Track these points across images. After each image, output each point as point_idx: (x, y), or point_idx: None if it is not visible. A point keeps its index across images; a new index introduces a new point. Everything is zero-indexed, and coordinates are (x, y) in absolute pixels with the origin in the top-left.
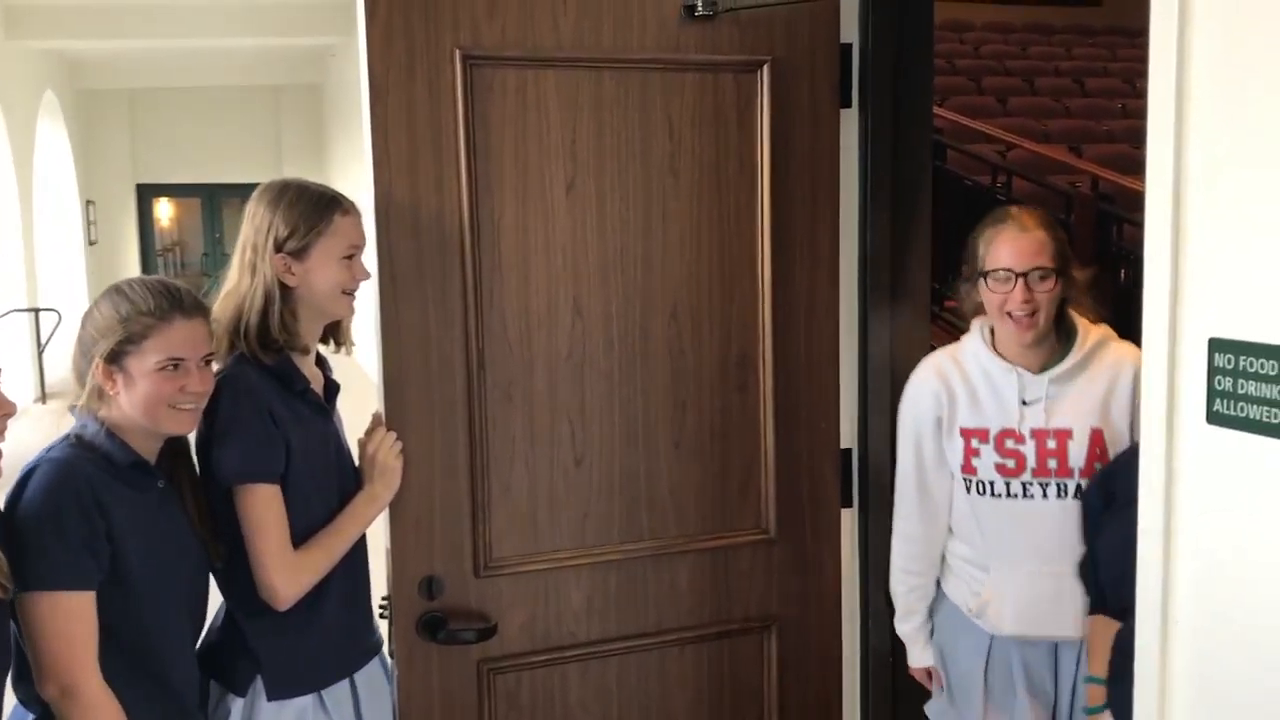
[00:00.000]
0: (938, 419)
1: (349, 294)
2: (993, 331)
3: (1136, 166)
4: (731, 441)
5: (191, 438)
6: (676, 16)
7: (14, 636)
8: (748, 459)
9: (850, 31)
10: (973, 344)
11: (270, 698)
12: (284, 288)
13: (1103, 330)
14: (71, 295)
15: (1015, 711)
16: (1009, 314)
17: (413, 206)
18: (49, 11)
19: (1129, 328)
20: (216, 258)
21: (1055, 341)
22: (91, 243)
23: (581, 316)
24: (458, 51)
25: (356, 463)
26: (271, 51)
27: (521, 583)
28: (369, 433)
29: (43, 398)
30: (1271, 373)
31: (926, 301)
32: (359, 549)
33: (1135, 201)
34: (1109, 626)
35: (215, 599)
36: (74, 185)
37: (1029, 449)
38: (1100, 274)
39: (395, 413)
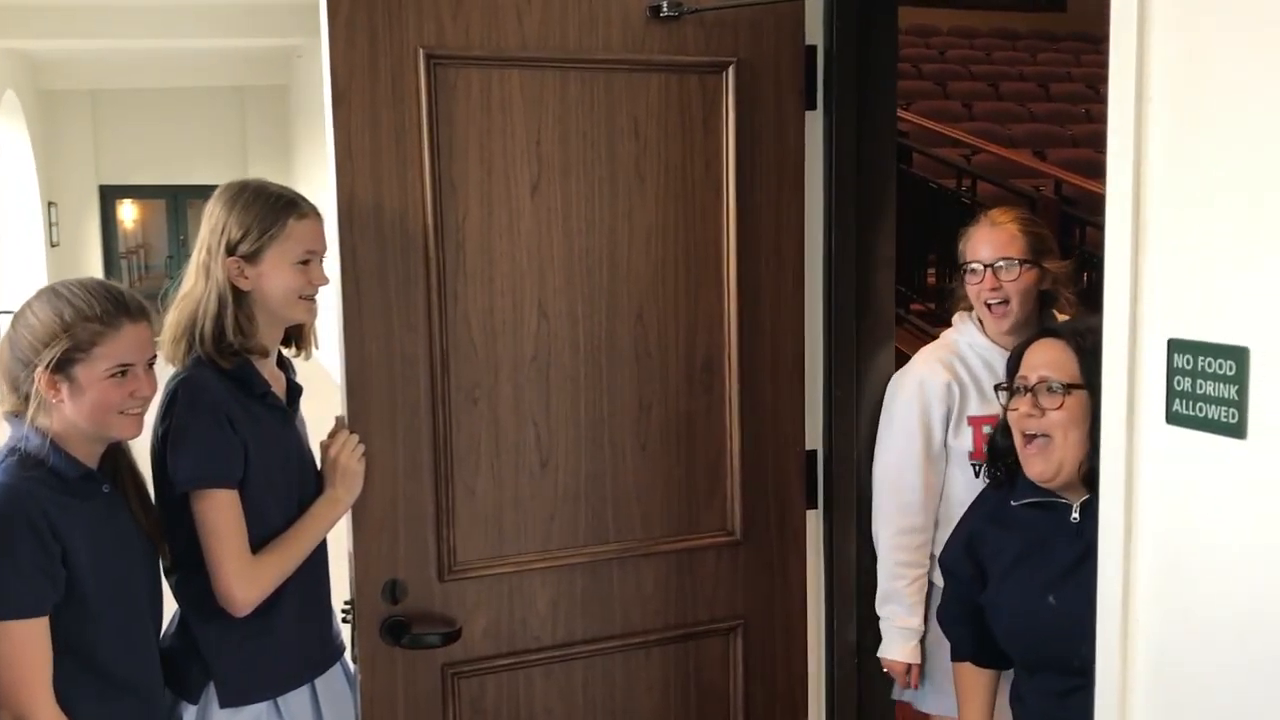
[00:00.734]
0: (948, 410)
1: (306, 299)
2: (982, 322)
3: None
4: (697, 443)
5: (147, 441)
6: (642, 17)
7: None
8: (713, 461)
9: (815, 34)
10: (966, 335)
11: (222, 705)
12: (239, 291)
13: None
14: None
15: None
16: (986, 304)
17: (375, 207)
18: (9, 10)
19: None
20: (181, 260)
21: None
22: (53, 245)
23: (547, 319)
24: (421, 51)
25: (319, 466)
26: (236, 52)
27: (486, 586)
28: (331, 435)
29: None
30: (1229, 373)
31: (892, 304)
32: (319, 553)
33: (1098, 205)
34: (979, 675)
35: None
36: (35, 187)
37: None
38: (1077, 270)
39: (358, 415)
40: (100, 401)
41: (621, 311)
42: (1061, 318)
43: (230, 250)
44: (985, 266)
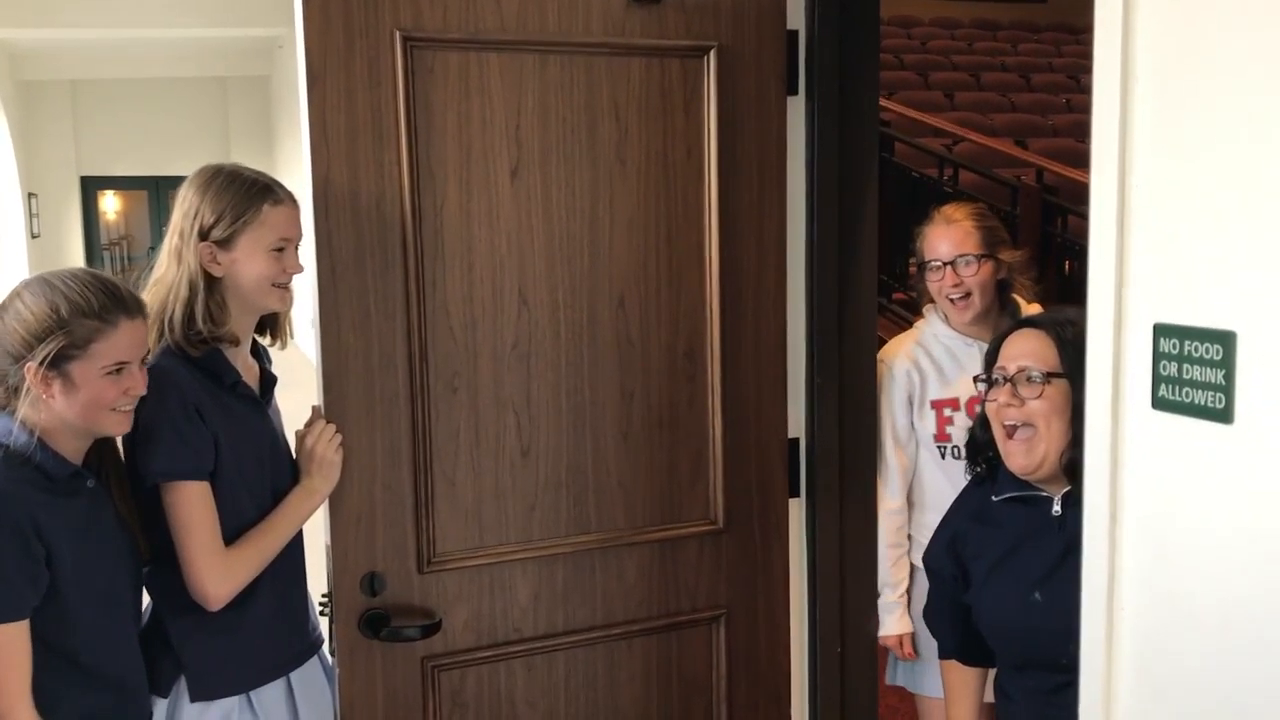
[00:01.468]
0: (909, 396)
1: (280, 287)
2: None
3: (1081, 160)
4: (680, 432)
5: None
6: (622, 0)
7: None
8: (696, 449)
9: (797, 19)
10: (932, 327)
11: (193, 699)
12: (211, 278)
13: (1037, 309)
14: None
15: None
16: (949, 298)
17: (352, 193)
18: None
19: None
20: None
21: (1001, 318)
22: (34, 236)
23: (527, 306)
24: (398, 33)
25: (295, 457)
26: (218, 42)
27: (466, 578)
28: (308, 425)
29: None
30: (1215, 357)
31: (874, 292)
32: (294, 545)
33: (1080, 194)
34: (967, 673)
35: None
36: (15, 177)
37: None
38: (1033, 257)
39: (335, 405)
40: (94, 399)
41: (603, 299)
42: (1024, 303)
43: (203, 235)
44: (944, 264)
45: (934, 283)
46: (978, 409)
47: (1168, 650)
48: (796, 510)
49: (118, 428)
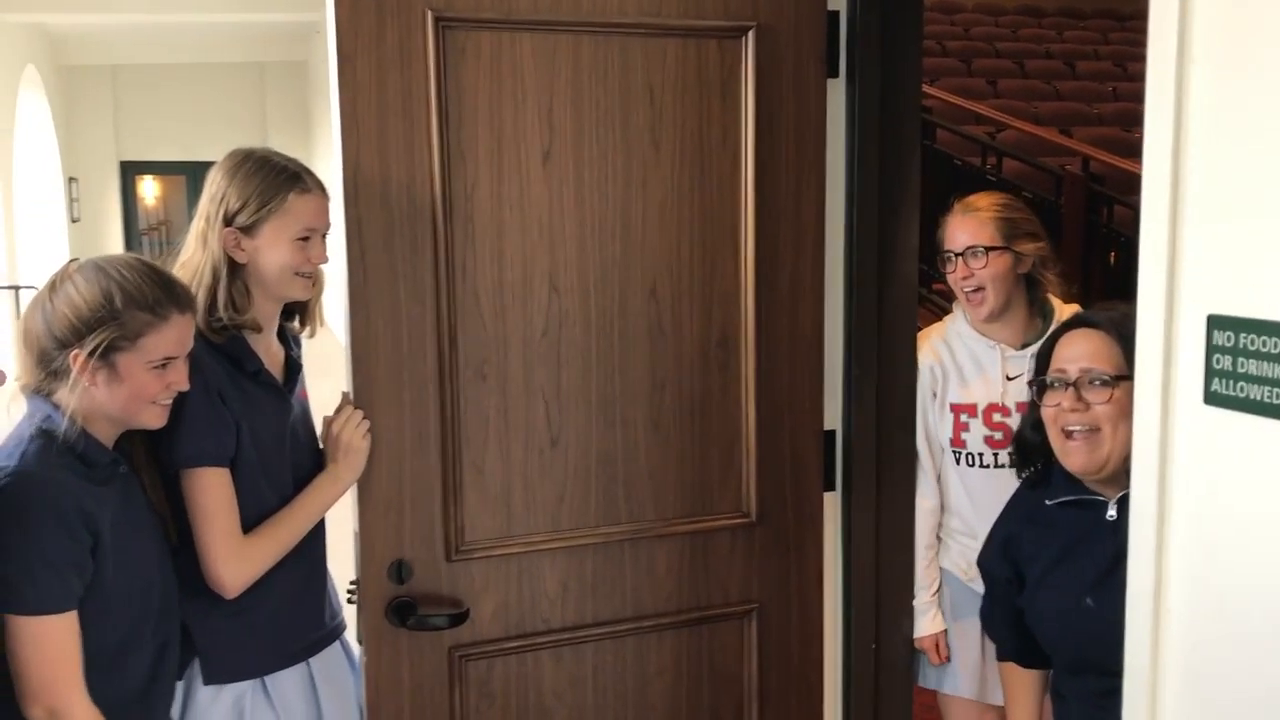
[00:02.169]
0: (932, 393)
1: (303, 276)
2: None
3: (1127, 149)
4: (712, 422)
5: None
6: None
7: None
8: (728, 441)
9: None
10: (956, 324)
11: (206, 682)
12: (234, 264)
13: (1074, 309)
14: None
15: None
16: (963, 292)
17: (382, 176)
18: None
19: None
20: None
21: (1031, 318)
22: (74, 220)
23: (558, 292)
24: (429, 13)
25: (321, 444)
26: (256, 28)
27: (494, 567)
28: (336, 412)
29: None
30: (1274, 351)
31: (914, 281)
32: (315, 532)
33: (1126, 184)
34: (1025, 675)
35: None
36: (56, 162)
37: (1014, 422)
38: (1062, 250)
39: (363, 391)
40: (138, 392)
41: (635, 286)
42: (1055, 301)
43: (228, 220)
44: (956, 255)
45: (949, 275)
46: (996, 417)
47: (1217, 656)
48: (832, 504)
49: (156, 421)
